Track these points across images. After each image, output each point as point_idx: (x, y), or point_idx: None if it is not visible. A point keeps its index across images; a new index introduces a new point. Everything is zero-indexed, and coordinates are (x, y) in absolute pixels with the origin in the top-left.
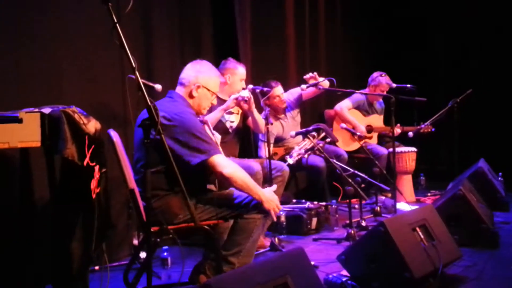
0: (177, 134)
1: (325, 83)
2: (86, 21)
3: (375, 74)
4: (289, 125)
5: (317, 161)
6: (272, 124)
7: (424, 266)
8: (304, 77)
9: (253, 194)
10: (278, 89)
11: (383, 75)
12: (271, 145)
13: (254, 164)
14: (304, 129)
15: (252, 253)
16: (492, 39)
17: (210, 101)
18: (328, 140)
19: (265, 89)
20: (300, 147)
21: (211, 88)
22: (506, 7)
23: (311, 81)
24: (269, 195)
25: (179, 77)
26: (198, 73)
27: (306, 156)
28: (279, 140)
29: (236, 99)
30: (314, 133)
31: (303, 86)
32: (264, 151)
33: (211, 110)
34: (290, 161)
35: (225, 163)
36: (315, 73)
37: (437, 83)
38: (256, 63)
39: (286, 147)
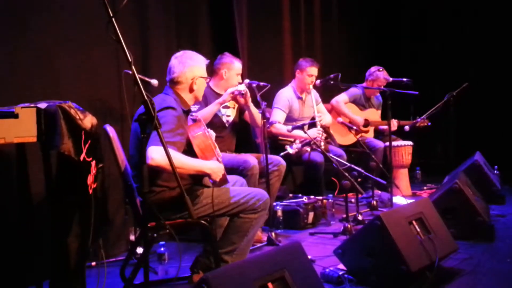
0: None
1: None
2: (82, 16)
3: (372, 69)
4: (303, 109)
5: (317, 157)
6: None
7: (421, 259)
8: None
9: (197, 172)
10: (312, 69)
11: (381, 69)
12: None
13: (251, 158)
14: (301, 123)
15: (246, 253)
16: (488, 33)
17: (205, 86)
18: (329, 140)
19: (262, 83)
20: (300, 140)
21: (203, 74)
22: (503, 3)
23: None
24: (213, 165)
25: (170, 76)
26: (191, 66)
27: (309, 150)
28: (292, 120)
29: (233, 93)
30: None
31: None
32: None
33: (206, 103)
34: (290, 150)
35: (151, 155)
36: None
37: (434, 76)
38: (253, 57)
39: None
